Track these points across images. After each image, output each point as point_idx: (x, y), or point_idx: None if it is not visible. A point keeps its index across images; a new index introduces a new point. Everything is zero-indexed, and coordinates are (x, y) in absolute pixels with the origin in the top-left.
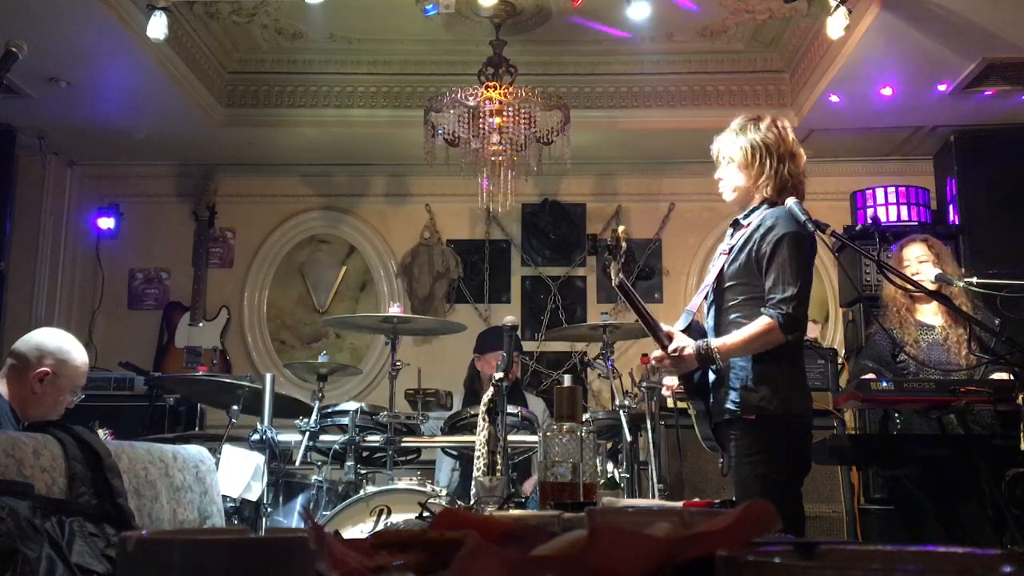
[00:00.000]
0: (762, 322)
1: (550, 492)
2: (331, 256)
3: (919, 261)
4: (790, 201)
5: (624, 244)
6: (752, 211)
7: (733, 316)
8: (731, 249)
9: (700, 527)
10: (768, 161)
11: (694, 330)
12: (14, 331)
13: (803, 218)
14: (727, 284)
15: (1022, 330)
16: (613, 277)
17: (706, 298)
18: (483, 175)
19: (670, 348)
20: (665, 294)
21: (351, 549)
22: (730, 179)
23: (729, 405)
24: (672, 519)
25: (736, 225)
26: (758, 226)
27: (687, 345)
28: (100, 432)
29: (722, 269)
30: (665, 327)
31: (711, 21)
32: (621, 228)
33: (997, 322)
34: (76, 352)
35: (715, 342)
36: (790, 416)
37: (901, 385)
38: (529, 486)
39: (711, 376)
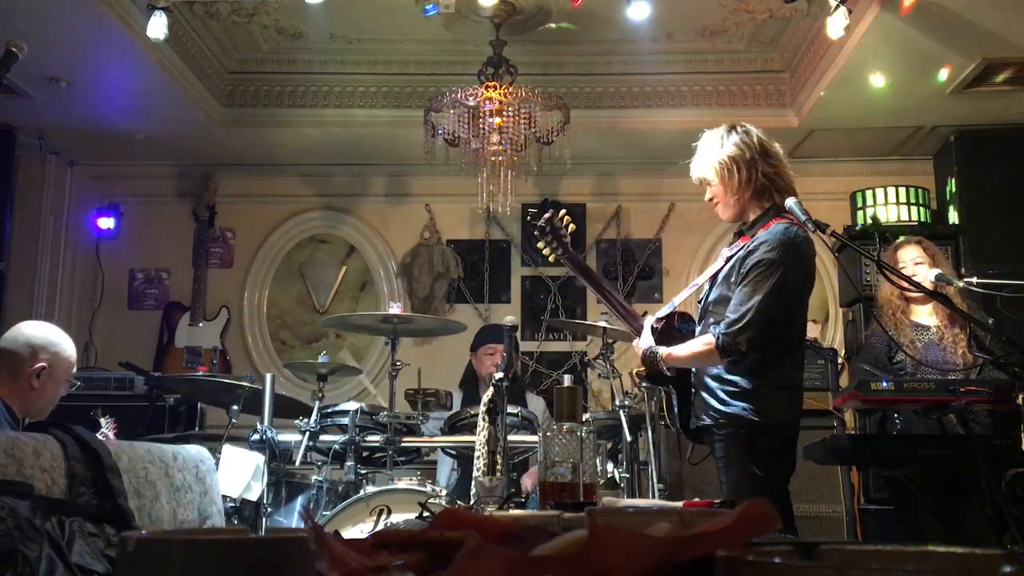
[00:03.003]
0: (704, 340)
1: (550, 492)
2: (331, 256)
3: (915, 263)
4: (790, 201)
5: (567, 225)
6: (758, 221)
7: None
8: (729, 259)
9: (700, 527)
10: (740, 172)
11: (674, 326)
12: None
13: (803, 217)
14: (716, 295)
15: (1022, 330)
16: (552, 253)
17: (699, 298)
18: (483, 175)
19: (634, 342)
20: (665, 294)
21: (351, 549)
22: (717, 199)
23: (710, 414)
24: (672, 519)
25: (740, 233)
26: (753, 242)
27: (643, 344)
28: (103, 421)
29: (716, 274)
30: (650, 319)
31: (711, 21)
32: (563, 213)
33: (991, 321)
34: (66, 343)
35: (663, 350)
36: (772, 426)
37: (901, 385)
38: (528, 480)
39: (695, 380)
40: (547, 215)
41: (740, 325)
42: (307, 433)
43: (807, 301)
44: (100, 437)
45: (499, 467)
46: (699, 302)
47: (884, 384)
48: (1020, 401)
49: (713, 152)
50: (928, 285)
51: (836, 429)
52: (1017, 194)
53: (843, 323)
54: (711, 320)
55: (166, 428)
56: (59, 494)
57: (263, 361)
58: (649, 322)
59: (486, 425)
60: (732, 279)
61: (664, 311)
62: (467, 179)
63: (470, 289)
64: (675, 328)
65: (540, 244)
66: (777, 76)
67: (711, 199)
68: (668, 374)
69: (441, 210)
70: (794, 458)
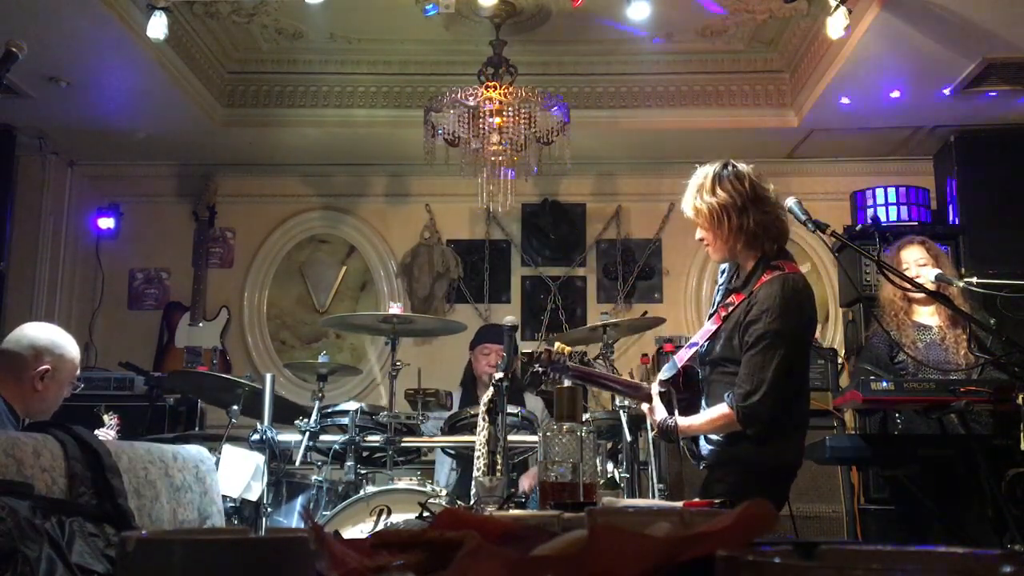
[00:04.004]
0: (722, 410)
1: (550, 492)
2: (331, 256)
3: (918, 264)
4: (790, 201)
5: (563, 357)
6: (751, 277)
7: (722, 392)
8: (725, 318)
9: (700, 527)
10: (730, 219)
11: (680, 382)
12: None
13: (803, 217)
14: (720, 352)
15: (1022, 330)
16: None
17: (700, 355)
18: (483, 175)
19: (644, 406)
20: (665, 294)
21: (351, 549)
22: (707, 241)
23: (713, 449)
24: (672, 519)
25: (733, 290)
26: (751, 306)
27: (657, 417)
28: (106, 418)
29: (716, 333)
30: (655, 387)
31: (711, 21)
32: (557, 344)
33: (993, 322)
34: (70, 346)
35: (682, 422)
36: (776, 466)
37: (901, 385)
38: (527, 481)
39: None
40: (542, 356)
41: (757, 397)
42: (307, 433)
43: (812, 338)
44: (103, 433)
45: (499, 467)
46: (700, 353)
47: (884, 384)
48: (1020, 401)
49: (704, 195)
50: (929, 286)
51: (836, 429)
52: (1017, 194)
53: (843, 323)
54: (719, 370)
55: (166, 428)
56: (59, 494)
57: (263, 361)
58: (656, 389)
59: (486, 425)
60: (735, 342)
61: (666, 373)
62: (467, 179)
63: (470, 289)
64: (679, 382)
65: (543, 383)
66: (777, 76)
67: (701, 239)
68: (677, 443)
69: (441, 210)
70: (787, 498)
